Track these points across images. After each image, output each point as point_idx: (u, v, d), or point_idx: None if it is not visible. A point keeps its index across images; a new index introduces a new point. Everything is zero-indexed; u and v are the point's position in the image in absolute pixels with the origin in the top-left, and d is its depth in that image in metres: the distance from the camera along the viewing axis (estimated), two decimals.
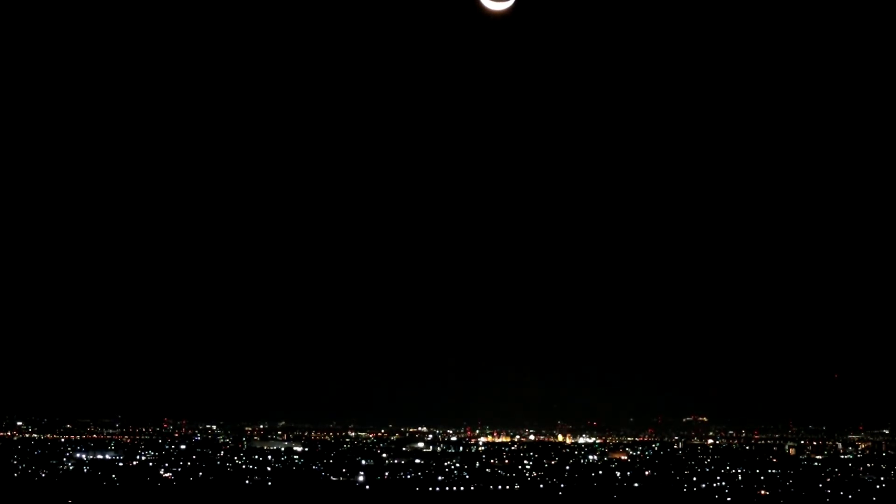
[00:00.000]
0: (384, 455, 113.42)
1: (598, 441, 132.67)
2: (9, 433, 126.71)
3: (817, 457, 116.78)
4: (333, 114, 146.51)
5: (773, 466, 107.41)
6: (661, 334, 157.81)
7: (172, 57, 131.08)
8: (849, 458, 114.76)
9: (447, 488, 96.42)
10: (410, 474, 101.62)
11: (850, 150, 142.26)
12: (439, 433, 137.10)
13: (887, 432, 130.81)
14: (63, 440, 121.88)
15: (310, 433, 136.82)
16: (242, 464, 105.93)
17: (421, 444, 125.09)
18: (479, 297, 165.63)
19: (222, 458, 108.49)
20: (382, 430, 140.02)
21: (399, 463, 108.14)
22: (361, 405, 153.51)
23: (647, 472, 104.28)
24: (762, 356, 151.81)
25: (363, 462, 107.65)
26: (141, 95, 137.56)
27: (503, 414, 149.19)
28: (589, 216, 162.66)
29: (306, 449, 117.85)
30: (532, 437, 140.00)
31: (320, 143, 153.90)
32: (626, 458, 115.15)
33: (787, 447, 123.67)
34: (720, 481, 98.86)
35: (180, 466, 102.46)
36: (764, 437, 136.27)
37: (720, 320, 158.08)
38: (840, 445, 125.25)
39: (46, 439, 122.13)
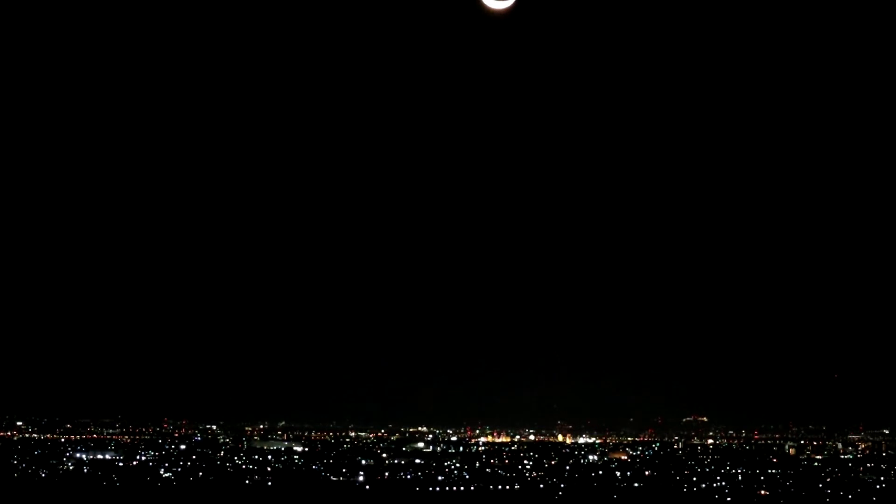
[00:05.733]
0: (384, 455, 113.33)
1: (598, 441, 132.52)
2: (9, 433, 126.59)
3: (817, 457, 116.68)
4: (333, 113, 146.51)
5: (773, 466, 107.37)
6: (660, 334, 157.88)
7: (172, 57, 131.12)
8: (849, 458, 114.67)
9: (447, 488, 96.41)
10: (410, 474, 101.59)
11: (850, 150, 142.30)
12: (439, 433, 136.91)
13: (887, 432, 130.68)
14: (63, 440, 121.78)
15: (310, 433, 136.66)
16: (242, 464, 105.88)
17: (421, 444, 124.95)
18: (479, 297, 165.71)
19: (222, 458, 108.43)
20: (382, 430, 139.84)
21: (399, 463, 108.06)
22: (361, 405, 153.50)
23: (647, 472, 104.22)
24: (762, 356, 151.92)
25: (363, 462, 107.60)
26: (140, 95, 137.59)
27: (503, 414, 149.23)
28: (590, 216, 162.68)
29: (306, 449, 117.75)
30: (532, 437, 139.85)
31: (320, 144, 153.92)
32: (626, 458, 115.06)
33: (787, 447, 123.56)
34: (720, 481, 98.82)
35: (180, 466, 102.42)
36: (764, 437, 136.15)
37: (720, 321, 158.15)
38: (840, 445, 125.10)
39: (46, 439, 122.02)
